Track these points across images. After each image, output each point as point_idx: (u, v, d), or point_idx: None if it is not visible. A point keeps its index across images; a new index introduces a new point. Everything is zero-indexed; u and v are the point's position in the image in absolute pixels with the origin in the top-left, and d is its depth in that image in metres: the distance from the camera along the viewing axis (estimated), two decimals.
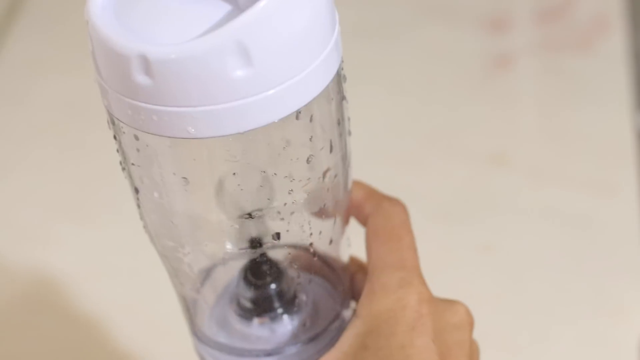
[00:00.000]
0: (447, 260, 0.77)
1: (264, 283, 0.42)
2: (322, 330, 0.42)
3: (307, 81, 0.34)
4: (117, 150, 0.38)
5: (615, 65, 0.93)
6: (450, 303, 0.40)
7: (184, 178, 0.36)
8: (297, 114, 0.34)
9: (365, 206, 0.41)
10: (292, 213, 0.38)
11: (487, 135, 0.88)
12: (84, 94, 0.89)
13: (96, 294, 0.74)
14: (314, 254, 0.41)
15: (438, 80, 0.94)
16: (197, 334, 0.43)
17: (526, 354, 0.72)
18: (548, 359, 0.72)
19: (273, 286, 0.42)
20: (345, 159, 0.39)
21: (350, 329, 0.38)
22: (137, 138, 0.35)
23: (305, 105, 0.34)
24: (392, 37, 0.98)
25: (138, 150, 0.36)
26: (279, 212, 0.38)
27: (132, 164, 0.37)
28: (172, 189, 0.37)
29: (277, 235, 0.39)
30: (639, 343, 0.72)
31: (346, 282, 0.43)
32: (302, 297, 0.42)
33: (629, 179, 0.83)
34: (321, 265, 0.42)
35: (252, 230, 0.39)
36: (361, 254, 0.43)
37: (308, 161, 0.37)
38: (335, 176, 0.39)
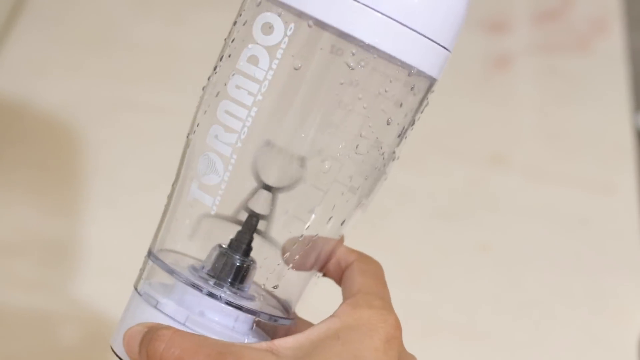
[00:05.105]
0: (447, 259, 0.77)
1: (230, 256, 0.43)
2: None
3: (438, 58, 0.43)
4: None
5: (613, 66, 0.94)
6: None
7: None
8: (410, 71, 0.42)
9: (351, 254, 0.45)
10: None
11: (487, 135, 0.88)
12: (85, 93, 0.89)
13: (97, 292, 0.74)
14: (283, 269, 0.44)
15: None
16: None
17: (525, 353, 0.72)
18: (547, 358, 0.72)
19: (237, 264, 0.43)
20: (386, 162, 0.44)
21: (325, 323, 0.41)
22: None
23: (420, 72, 0.42)
24: None
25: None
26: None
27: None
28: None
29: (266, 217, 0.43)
30: (639, 342, 0.72)
31: (291, 315, 0.45)
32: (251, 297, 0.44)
33: (628, 179, 0.83)
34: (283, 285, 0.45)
35: (256, 205, 0.43)
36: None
37: (388, 122, 0.43)
38: (376, 168, 0.44)
